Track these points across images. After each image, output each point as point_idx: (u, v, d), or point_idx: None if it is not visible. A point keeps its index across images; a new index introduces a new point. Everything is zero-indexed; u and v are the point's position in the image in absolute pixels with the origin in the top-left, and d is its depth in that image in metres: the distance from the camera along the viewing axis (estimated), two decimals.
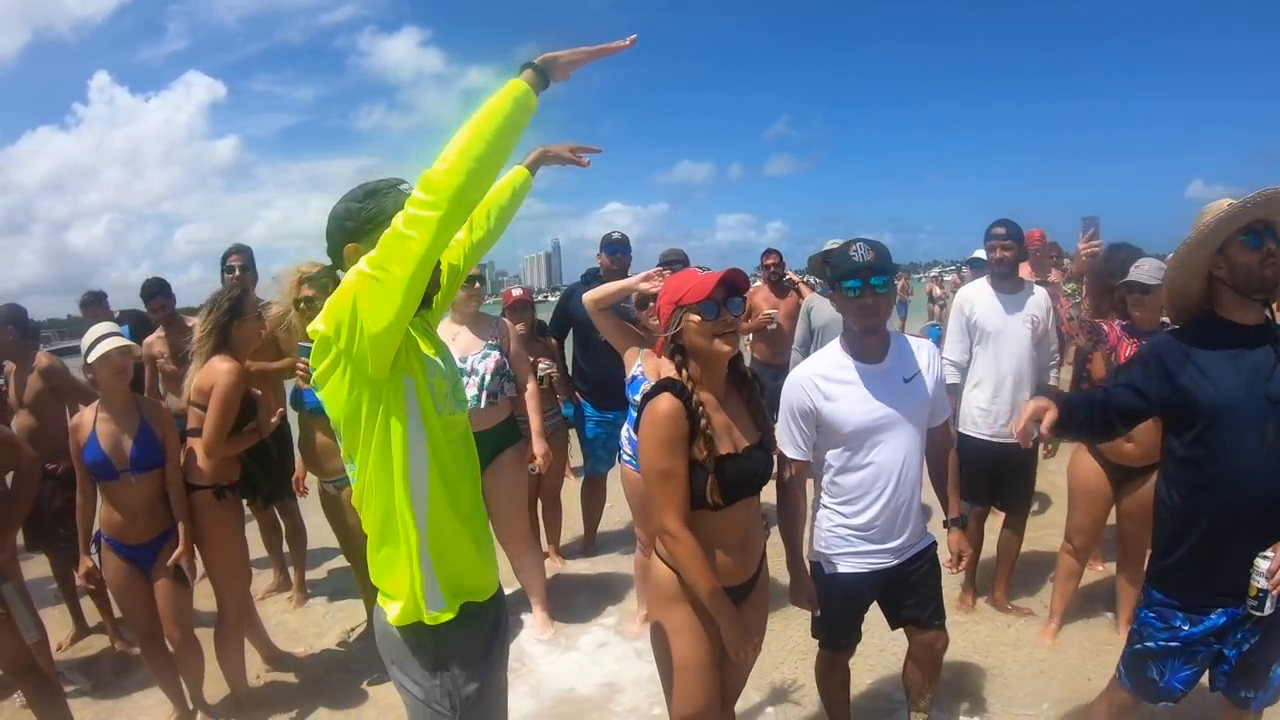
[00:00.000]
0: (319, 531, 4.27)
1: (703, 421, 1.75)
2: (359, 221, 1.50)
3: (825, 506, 2.25)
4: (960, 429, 3.51)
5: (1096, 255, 3.43)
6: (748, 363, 2.43)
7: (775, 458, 1.98)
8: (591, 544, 4.51)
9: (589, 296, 3.03)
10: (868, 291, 2.07)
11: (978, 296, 3.53)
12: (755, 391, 1.93)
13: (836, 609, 2.21)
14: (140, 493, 2.68)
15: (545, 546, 4.24)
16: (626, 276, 3.65)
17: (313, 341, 1.45)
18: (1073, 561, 3.29)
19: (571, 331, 4.24)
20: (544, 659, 3.28)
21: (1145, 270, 3.07)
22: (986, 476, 3.51)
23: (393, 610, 1.51)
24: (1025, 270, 3.93)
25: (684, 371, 1.80)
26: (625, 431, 3.24)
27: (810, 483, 2.31)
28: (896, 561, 2.23)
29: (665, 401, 1.75)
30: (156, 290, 4.10)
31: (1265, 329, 1.88)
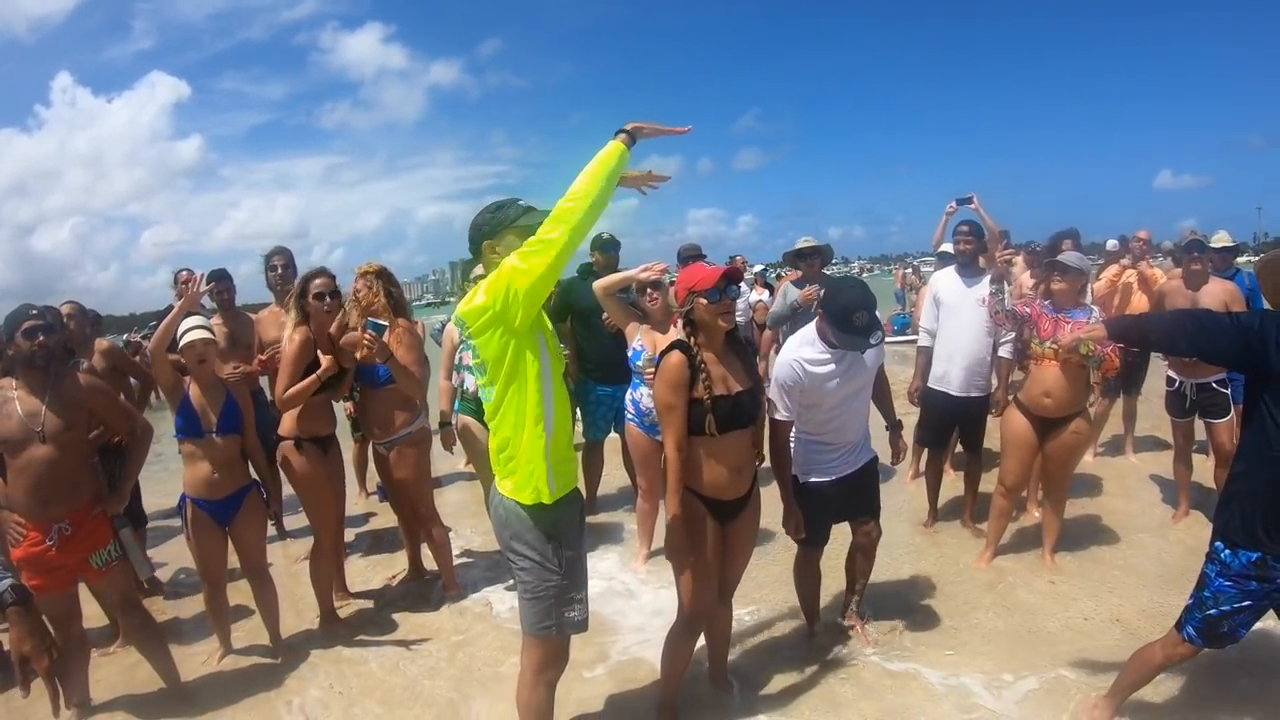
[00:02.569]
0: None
1: (702, 373, 2.35)
2: (492, 226, 2.15)
3: (801, 438, 2.94)
4: (928, 384, 4.29)
5: (1012, 262, 4.17)
6: None
7: (764, 401, 2.59)
8: (592, 502, 5.02)
9: (599, 285, 3.62)
10: (855, 342, 2.71)
11: (944, 279, 4.31)
12: (746, 351, 2.56)
13: (811, 511, 2.88)
14: (222, 451, 3.16)
15: None
16: (616, 271, 4.25)
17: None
18: (1004, 502, 3.90)
19: (572, 318, 4.75)
20: None
21: (1069, 255, 3.72)
22: (947, 423, 4.34)
23: (522, 495, 2.11)
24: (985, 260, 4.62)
25: (693, 338, 2.40)
26: (629, 395, 3.83)
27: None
28: (851, 470, 2.96)
29: (675, 356, 2.37)
30: (220, 276, 4.58)
31: None
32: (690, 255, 5.07)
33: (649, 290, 3.68)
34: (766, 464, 2.81)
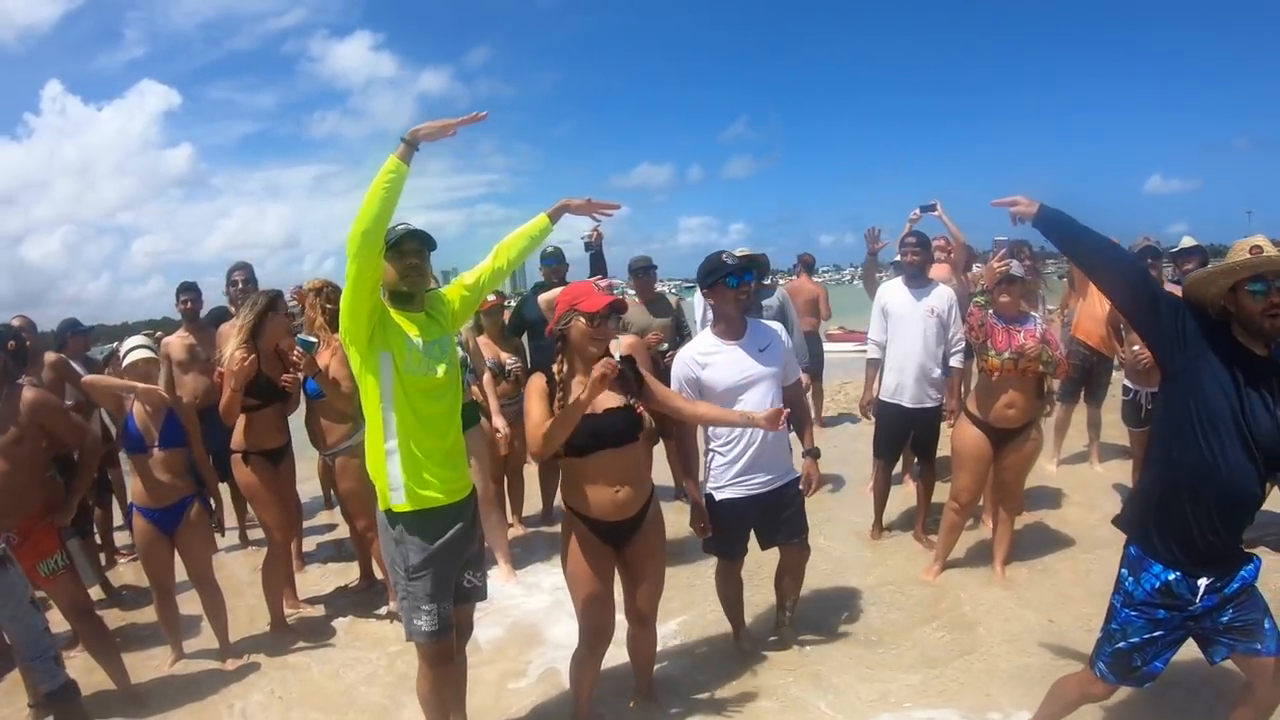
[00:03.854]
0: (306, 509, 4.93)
1: (558, 395, 2.33)
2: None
3: (710, 450, 2.95)
4: (880, 396, 4.29)
5: (1006, 272, 4.15)
6: None
7: (643, 415, 2.49)
8: (549, 513, 5.14)
9: (543, 298, 3.72)
10: (743, 285, 2.83)
11: (892, 290, 4.29)
12: (625, 372, 2.41)
13: (726, 526, 2.90)
14: (164, 464, 3.27)
15: (510, 516, 4.85)
16: (565, 283, 4.31)
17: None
18: (956, 518, 3.88)
19: (526, 331, 4.84)
20: (512, 599, 3.94)
21: (1012, 265, 3.72)
22: (899, 435, 4.31)
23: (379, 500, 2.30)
24: (939, 271, 4.61)
25: (560, 357, 2.40)
26: None
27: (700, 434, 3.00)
28: (768, 489, 2.92)
29: (537, 376, 2.39)
30: (188, 288, 4.76)
31: (1270, 363, 1.94)
32: (641, 266, 4.94)
33: None
34: (663, 482, 2.83)
